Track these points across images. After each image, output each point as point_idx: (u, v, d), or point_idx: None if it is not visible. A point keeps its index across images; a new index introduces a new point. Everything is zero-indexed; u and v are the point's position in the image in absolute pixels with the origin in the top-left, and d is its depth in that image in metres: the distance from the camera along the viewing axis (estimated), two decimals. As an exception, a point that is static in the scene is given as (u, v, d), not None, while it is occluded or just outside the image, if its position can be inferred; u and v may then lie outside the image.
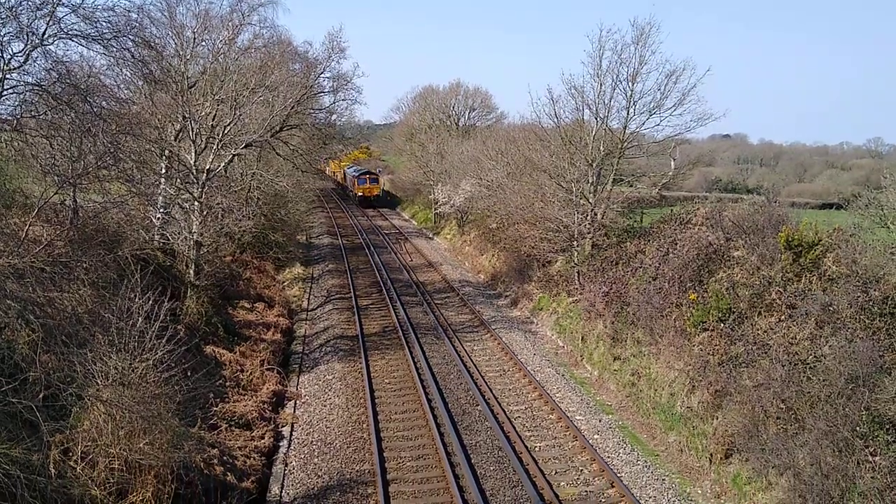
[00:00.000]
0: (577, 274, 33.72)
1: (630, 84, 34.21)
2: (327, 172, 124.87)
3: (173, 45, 30.38)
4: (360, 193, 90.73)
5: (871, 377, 16.01)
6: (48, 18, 17.60)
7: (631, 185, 40.45)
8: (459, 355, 28.93)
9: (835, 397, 16.22)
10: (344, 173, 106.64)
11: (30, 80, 17.77)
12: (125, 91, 26.42)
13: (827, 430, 15.72)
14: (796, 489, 15.81)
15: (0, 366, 14.16)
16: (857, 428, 15.44)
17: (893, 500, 13.89)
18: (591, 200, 34.10)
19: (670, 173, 39.54)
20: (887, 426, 15.20)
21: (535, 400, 24.57)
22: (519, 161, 43.45)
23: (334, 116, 52.59)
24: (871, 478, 14.59)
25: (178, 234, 27.58)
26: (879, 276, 19.22)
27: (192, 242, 27.56)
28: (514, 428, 22.06)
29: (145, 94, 27.65)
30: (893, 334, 17.46)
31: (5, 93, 17.51)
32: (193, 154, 28.14)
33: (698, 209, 29.71)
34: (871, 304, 18.45)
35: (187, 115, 28.51)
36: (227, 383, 23.22)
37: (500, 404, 24.00)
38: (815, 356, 18.12)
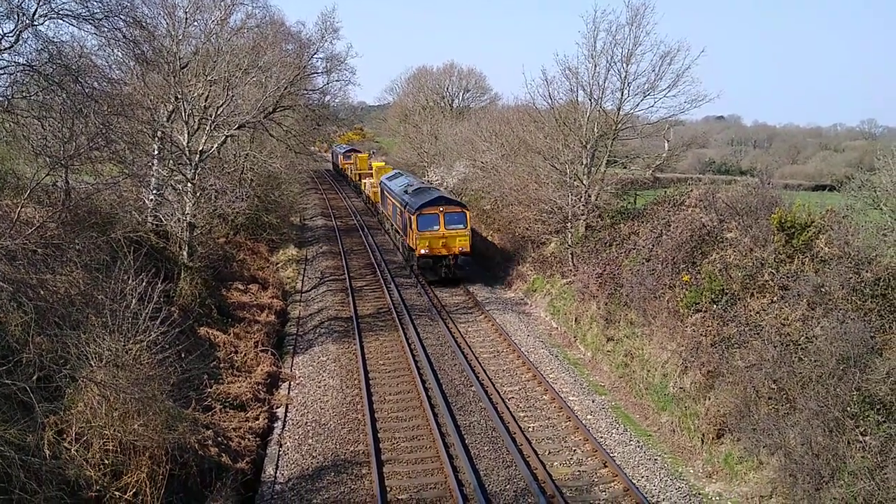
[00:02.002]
0: (570, 255, 33.75)
1: (624, 65, 34.16)
2: (347, 169, 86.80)
3: (165, 25, 30.13)
4: (423, 250, 37.48)
5: (862, 358, 16.10)
6: (38, -2, 17.47)
7: (625, 167, 40.53)
8: (454, 336, 29.00)
9: (826, 378, 16.32)
10: (381, 188, 53.51)
11: (21, 60, 17.67)
12: (117, 72, 26.23)
13: (818, 411, 15.83)
14: (787, 468, 15.94)
15: (-7, 347, 14.16)
16: (848, 408, 15.54)
17: (883, 480, 14.01)
18: (584, 182, 34.08)
19: (664, 155, 39.53)
20: (878, 406, 15.30)
21: (528, 381, 24.66)
22: (513, 142, 43.41)
23: (328, 97, 52.28)
24: (861, 457, 14.71)
25: (172, 215, 27.50)
26: (871, 258, 19.29)
27: (185, 224, 27.47)
28: (508, 408, 22.15)
29: (137, 75, 27.45)
30: (885, 315, 17.54)
31: (-4, 73, 17.41)
32: (186, 135, 28.00)
33: (692, 191, 29.75)
34: (862, 285, 18.52)
35: (180, 96, 28.35)
36: (222, 365, 23.24)
37: (493, 385, 24.09)
38: (806, 337, 18.21)
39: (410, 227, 37.94)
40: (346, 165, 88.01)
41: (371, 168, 68.53)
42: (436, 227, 37.21)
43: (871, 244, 19.57)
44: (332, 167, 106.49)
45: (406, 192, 42.22)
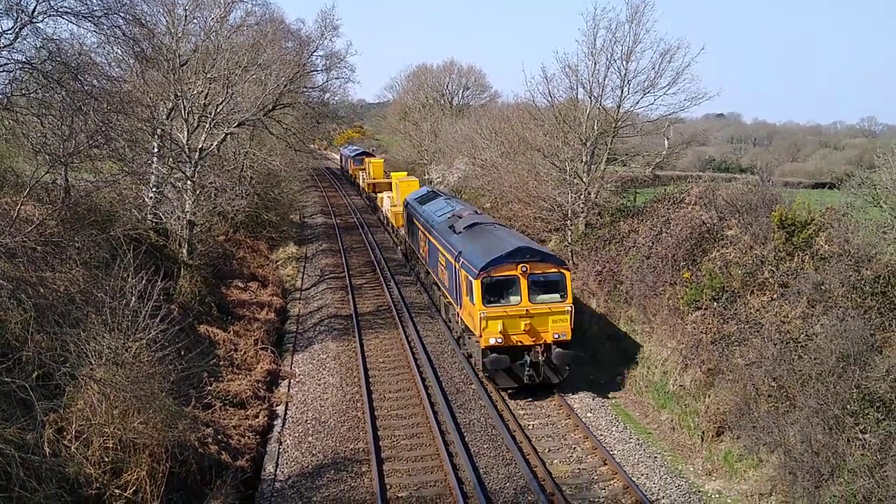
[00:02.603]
0: (570, 253, 33.75)
1: (624, 63, 34.20)
2: (357, 177, 73.17)
3: (165, 23, 30.13)
4: (493, 338, 22.19)
5: (862, 355, 16.11)
6: (38, -5, 17.47)
7: (625, 165, 40.49)
8: (453, 334, 28.95)
9: (826, 375, 16.33)
10: (408, 212, 38.06)
11: (20, 58, 17.68)
12: (116, 69, 26.29)
13: (818, 408, 15.84)
14: (787, 466, 15.94)
15: (-7, 345, 14.17)
16: (848, 406, 15.55)
17: (883, 478, 14.02)
18: (584, 180, 34.07)
19: (664, 152, 39.53)
20: (877, 404, 15.32)
21: (528, 378, 24.58)
22: (513, 140, 43.40)
23: (328, 95, 52.35)
24: (861, 455, 14.72)
25: (171, 213, 27.51)
26: (871, 255, 19.31)
27: (185, 222, 27.48)
28: (508, 406, 22.14)
29: (137, 73, 27.45)
30: (884, 313, 17.57)
31: (-5, 71, 17.41)
32: (186, 133, 28.00)
33: (692, 188, 29.76)
34: (862, 282, 18.54)
35: (179, 94, 28.34)
36: (221, 362, 23.25)
37: (494, 382, 24.05)
38: (806, 335, 18.23)
39: (469, 295, 23.11)
40: (357, 172, 73.50)
41: (389, 178, 54.66)
42: (514, 300, 22.47)
43: (871, 242, 19.59)
44: (339, 170, 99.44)
45: (453, 229, 27.36)
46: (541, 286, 22.64)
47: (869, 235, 19.87)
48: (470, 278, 22.72)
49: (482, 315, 22.04)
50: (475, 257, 23.18)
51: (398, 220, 43.06)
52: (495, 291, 22.44)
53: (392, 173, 54.95)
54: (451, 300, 26.74)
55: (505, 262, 22.33)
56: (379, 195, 54.76)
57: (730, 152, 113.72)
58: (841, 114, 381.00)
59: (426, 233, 31.47)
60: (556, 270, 22.72)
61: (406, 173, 54.95)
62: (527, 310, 22.26)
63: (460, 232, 26.49)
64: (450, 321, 28.21)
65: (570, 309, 22.46)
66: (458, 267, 24.45)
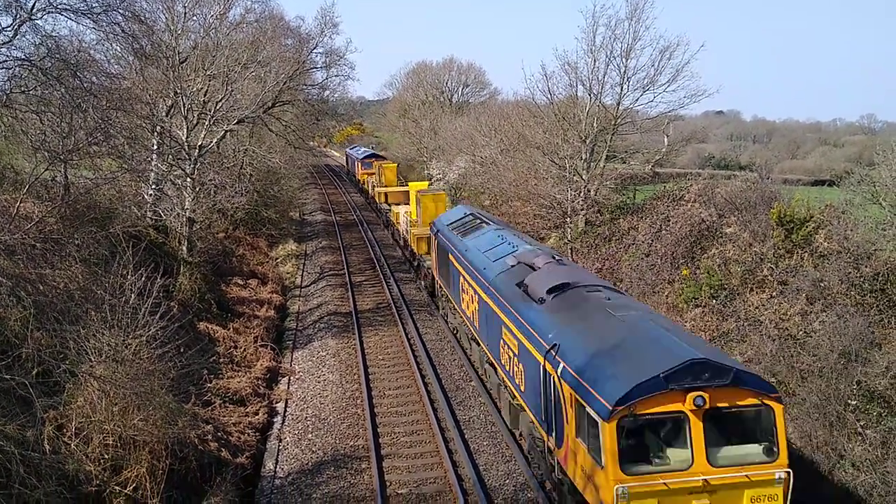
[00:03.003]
0: (570, 251, 33.76)
1: (624, 60, 34.24)
2: (365, 183, 64.80)
3: (164, 20, 30.08)
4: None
5: (862, 352, 16.13)
6: (36, -8, 17.47)
7: (624, 162, 40.50)
8: (453, 331, 28.96)
9: (826, 372, 16.35)
10: (438, 242, 27.84)
11: (19, 55, 17.68)
12: (115, 66, 26.28)
13: (818, 404, 15.85)
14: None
15: (-7, 342, 14.17)
16: (849, 402, 15.57)
17: (885, 473, 14.03)
18: (584, 177, 34.08)
19: (663, 150, 39.58)
20: (878, 399, 15.34)
21: (528, 376, 24.53)
22: (512, 137, 43.40)
23: (327, 92, 52.43)
24: (862, 450, 14.74)
25: (171, 210, 27.48)
26: (870, 253, 19.33)
27: (184, 219, 27.46)
28: (508, 403, 22.09)
29: (136, 70, 27.45)
30: (884, 310, 17.59)
31: (-6, 68, 17.42)
32: (185, 130, 27.97)
33: (691, 186, 29.78)
34: (861, 280, 18.56)
35: (179, 91, 28.30)
36: (221, 360, 23.23)
37: (493, 380, 24.04)
38: (805, 332, 18.24)
39: (588, 439, 12.40)
40: (365, 177, 64.39)
41: (406, 187, 47.37)
42: (679, 458, 11.75)
43: (870, 239, 19.62)
44: (343, 171, 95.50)
45: (528, 292, 16.97)
46: (729, 432, 12.10)
47: (868, 232, 19.90)
48: (592, 414, 12.05)
49: (621, 492, 11.52)
50: (598, 371, 12.52)
51: (420, 246, 34.99)
52: (643, 442, 12.12)
53: (410, 183, 46.27)
54: (529, 412, 16.66)
55: (664, 387, 11.57)
56: (393, 209, 45.10)
57: (729, 149, 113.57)
58: (840, 111, 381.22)
59: (475, 286, 21.25)
60: (755, 401, 11.90)
61: (428, 183, 47.11)
62: (705, 479, 11.69)
63: (543, 299, 16.09)
64: (520, 437, 18.59)
65: (784, 476, 11.78)
66: (555, 377, 13.69)
